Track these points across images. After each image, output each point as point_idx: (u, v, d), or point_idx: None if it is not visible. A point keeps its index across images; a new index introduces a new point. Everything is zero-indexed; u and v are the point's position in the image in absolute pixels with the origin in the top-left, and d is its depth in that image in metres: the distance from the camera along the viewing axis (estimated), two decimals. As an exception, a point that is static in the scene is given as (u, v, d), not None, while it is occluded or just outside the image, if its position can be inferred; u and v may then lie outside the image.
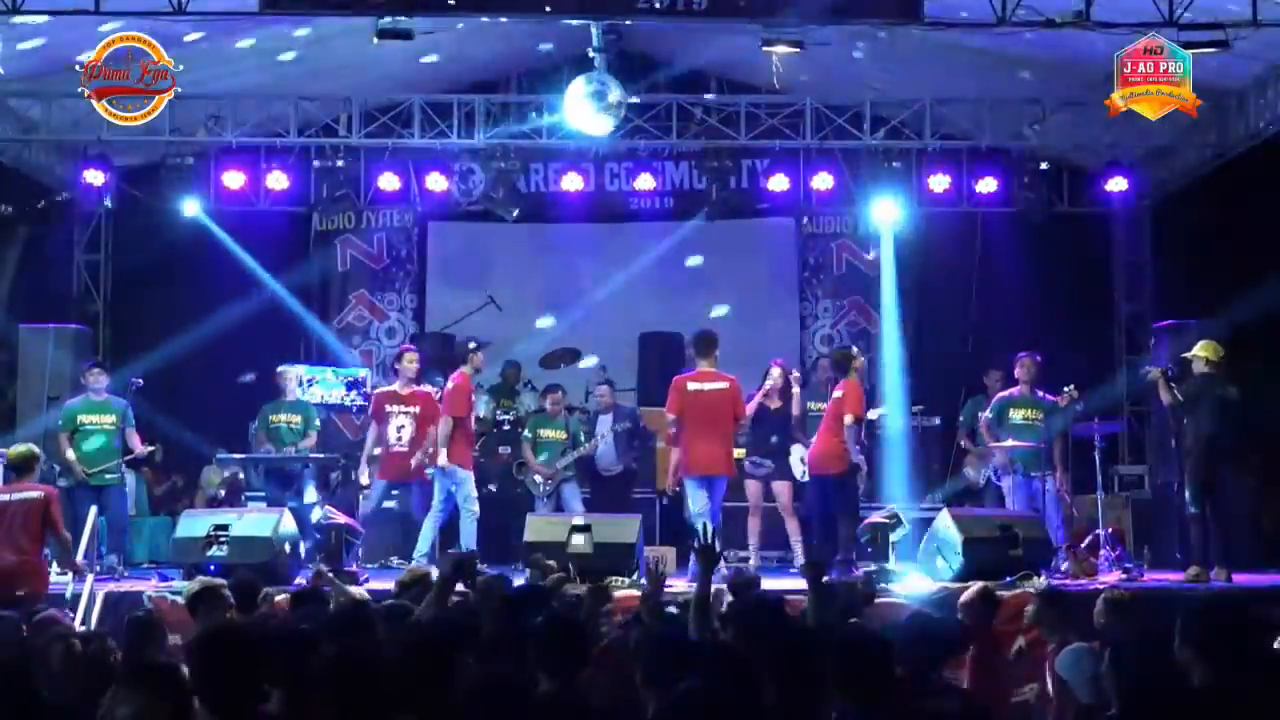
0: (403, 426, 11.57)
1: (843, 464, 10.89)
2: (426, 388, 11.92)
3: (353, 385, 13.97)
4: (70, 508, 10.15)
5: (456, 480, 11.01)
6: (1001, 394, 11.61)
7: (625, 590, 8.83)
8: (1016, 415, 11.36)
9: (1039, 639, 8.07)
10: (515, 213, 14.01)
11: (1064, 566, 10.42)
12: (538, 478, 12.13)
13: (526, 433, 12.39)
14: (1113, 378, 14.22)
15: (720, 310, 14.86)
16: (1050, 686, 5.80)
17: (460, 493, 11.01)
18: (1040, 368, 11.46)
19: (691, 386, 10.80)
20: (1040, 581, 9.30)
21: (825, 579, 7.23)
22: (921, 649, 5.17)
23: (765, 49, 10.99)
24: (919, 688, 4.88)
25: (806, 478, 11.29)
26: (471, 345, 11.54)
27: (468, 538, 10.87)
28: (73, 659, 5.21)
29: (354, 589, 8.06)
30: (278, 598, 7.76)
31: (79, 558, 9.39)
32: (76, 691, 4.84)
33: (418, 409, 11.57)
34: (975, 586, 7.64)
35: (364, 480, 11.77)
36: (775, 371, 11.40)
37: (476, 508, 11.00)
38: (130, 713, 3.99)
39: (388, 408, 11.66)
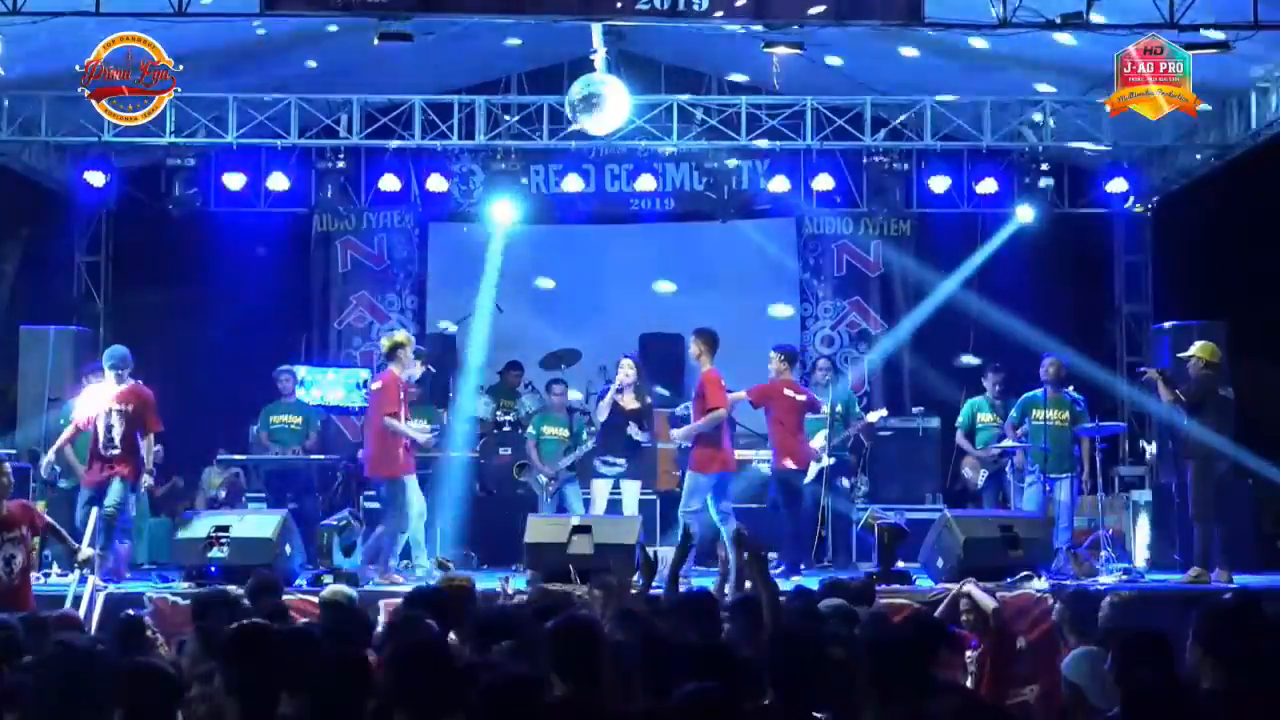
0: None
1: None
2: None
3: (353, 386, 13.96)
4: (71, 508, 10.16)
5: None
6: (1026, 394, 11.57)
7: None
8: (1041, 415, 11.31)
9: (1041, 639, 8.08)
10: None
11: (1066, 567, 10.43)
12: (542, 477, 11.99)
13: (530, 430, 12.29)
14: (1113, 378, 14.21)
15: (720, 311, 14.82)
16: (1062, 690, 5.76)
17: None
18: (1066, 368, 11.43)
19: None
20: (1043, 582, 9.32)
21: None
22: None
23: (765, 49, 10.99)
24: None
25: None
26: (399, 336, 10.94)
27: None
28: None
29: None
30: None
31: (80, 557, 9.37)
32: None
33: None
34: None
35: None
36: (626, 364, 11.33)
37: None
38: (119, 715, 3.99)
39: None
